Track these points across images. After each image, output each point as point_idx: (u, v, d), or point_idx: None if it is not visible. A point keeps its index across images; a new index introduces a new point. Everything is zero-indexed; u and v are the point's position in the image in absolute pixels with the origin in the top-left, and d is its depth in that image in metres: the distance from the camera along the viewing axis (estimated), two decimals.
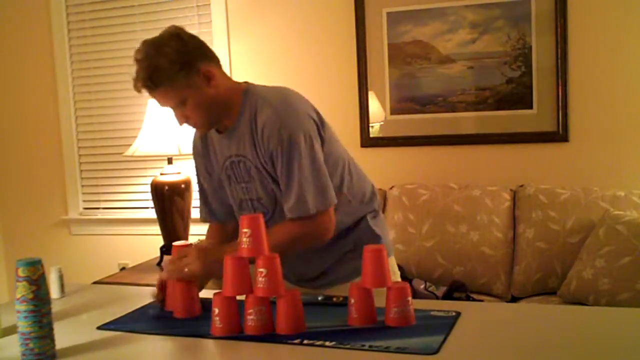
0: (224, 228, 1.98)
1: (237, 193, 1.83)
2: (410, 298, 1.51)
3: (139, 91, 1.68)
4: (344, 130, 2.58)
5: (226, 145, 1.80)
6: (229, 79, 1.81)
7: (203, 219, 2.01)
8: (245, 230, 1.51)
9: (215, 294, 1.52)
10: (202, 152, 1.91)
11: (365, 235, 1.84)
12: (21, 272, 1.37)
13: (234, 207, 1.89)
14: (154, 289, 1.73)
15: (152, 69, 1.63)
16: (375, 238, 1.85)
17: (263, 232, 1.53)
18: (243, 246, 1.51)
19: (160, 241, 3.28)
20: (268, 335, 1.48)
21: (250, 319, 1.49)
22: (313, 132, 1.72)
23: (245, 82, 1.82)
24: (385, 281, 1.50)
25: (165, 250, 3.25)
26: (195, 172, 1.99)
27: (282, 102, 1.73)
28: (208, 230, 2.02)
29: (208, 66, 1.70)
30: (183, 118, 1.73)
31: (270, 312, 1.50)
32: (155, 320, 1.64)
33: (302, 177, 1.68)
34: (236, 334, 1.49)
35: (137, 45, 1.69)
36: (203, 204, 1.99)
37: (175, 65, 1.64)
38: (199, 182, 1.98)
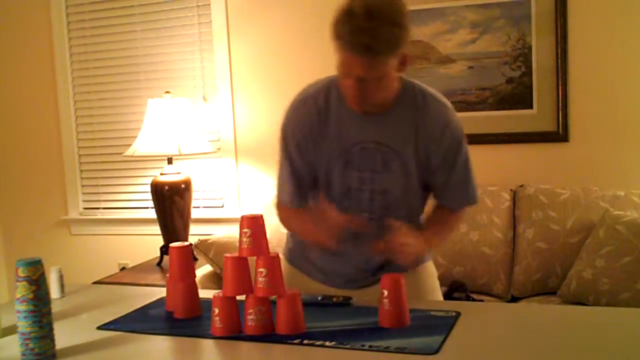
0: (308, 212, 1.80)
1: (349, 181, 1.71)
2: (404, 298, 1.51)
3: (351, 50, 1.50)
4: None
5: (362, 129, 1.68)
6: None
7: (295, 204, 1.79)
8: (245, 230, 1.51)
9: (215, 295, 1.52)
10: (318, 126, 1.71)
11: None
12: (21, 272, 1.37)
13: (333, 193, 1.72)
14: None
15: (382, 35, 1.48)
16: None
17: (264, 232, 1.52)
18: (243, 246, 1.51)
19: (160, 241, 3.28)
20: (268, 335, 1.48)
21: (250, 319, 1.49)
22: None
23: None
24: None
25: (165, 250, 3.25)
26: (286, 152, 1.76)
27: (446, 100, 1.75)
28: (304, 215, 1.78)
29: (408, 50, 1.60)
30: (361, 92, 1.57)
31: (270, 312, 1.50)
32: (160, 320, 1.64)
33: (472, 173, 1.77)
34: (236, 334, 1.49)
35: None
36: (294, 187, 1.77)
37: (399, 40, 1.53)
38: (292, 164, 1.75)
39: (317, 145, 1.72)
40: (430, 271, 1.90)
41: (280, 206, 1.84)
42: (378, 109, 1.66)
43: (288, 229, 1.90)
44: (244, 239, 1.50)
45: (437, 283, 1.92)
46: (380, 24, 1.48)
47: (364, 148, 1.69)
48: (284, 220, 1.85)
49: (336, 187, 1.72)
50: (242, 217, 1.52)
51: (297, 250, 1.88)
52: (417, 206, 1.81)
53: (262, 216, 1.53)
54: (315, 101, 1.72)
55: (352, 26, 1.49)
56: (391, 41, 1.51)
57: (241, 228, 1.51)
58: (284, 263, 1.90)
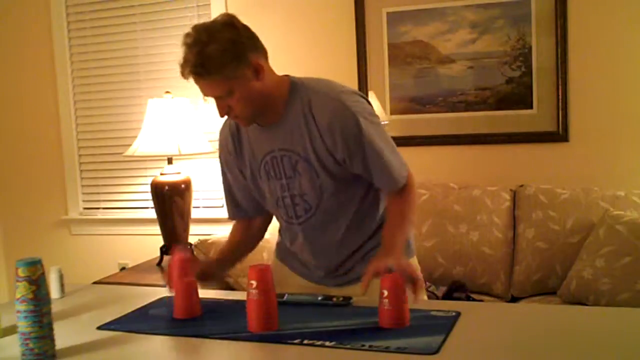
0: (250, 224, 1.95)
1: (275, 190, 1.79)
2: (406, 299, 1.51)
3: (186, 77, 1.63)
4: None
5: (267, 140, 1.75)
6: (274, 72, 1.76)
7: (231, 217, 1.96)
8: (252, 282, 1.51)
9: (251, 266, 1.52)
10: (233, 149, 1.84)
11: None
12: (21, 272, 1.37)
13: (269, 204, 1.84)
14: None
15: (204, 56, 1.57)
16: None
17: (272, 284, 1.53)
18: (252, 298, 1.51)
19: (160, 241, 3.28)
20: (268, 335, 1.48)
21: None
22: (370, 109, 1.74)
23: (287, 75, 1.77)
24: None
25: (165, 250, 3.24)
26: (221, 170, 1.93)
27: (334, 90, 1.72)
28: (233, 228, 1.98)
29: (258, 58, 1.66)
30: (225, 109, 1.66)
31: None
32: (158, 320, 1.64)
33: (387, 151, 1.73)
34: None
35: (185, 30, 1.65)
36: (230, 202, 1.94)
37: (227, 54, 1.59)
38: (225, 180, 1.92)
39: (239, 164, 1.85)
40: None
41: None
42: (270, 118, 1.72)
43: None
44: (252, 290, 1.51)
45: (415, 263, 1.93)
46: (199, 47, 1.58)
47: (274, 157, 1.76)
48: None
49: (268, 198, 1.83)
50: (251, 268, 1.53)
51: (283, 245, 1.94)
52: (339, 206, 1.77)
53: (269, 268, 1.54)
54: (229, 125, 1.86)
55: (183, 60, 1.62)
56: (216, 58, 1.58)
57: (249, 279, 1.52)
58: (273, 258, 1.96)
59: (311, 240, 1.80)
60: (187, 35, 1.62)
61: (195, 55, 1.58)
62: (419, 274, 1.63)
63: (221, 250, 1.97)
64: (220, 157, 1.91)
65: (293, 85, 1.74)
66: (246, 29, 1.69)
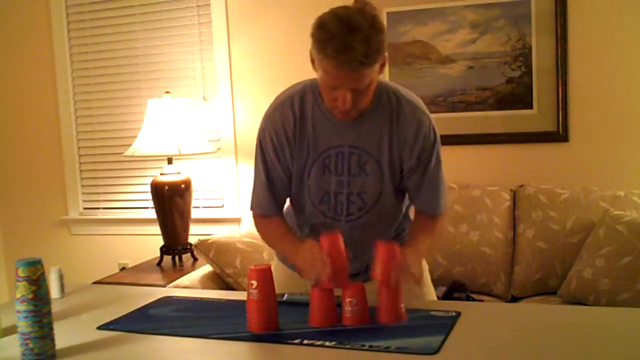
0: (284, 221, 1.84)
1: (327, 185, 1.73)
2: (401, 296, 1.52)
3: (340, 66, 1.50)
4: None
5: (337, 134, 1.69)
6: None
7: (271, 214, 1.82)
8: (349, 299, 1.52)
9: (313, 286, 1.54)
10: (293, 136, 1.72)
11: (406, 224, 1.90)
12: (21, 272, 1.37)
13: (308, 198, 1.76)
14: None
15: (369, 46, 1.48)
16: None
17: (366, 302, 1.55)
18: (347, 315, 1.53)
19: (160, 241, 3.28)
20: (268, 335, 1.48)
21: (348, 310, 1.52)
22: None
23: None
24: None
25: (166, 250, 3.25)
26: (262, 160, 1.78)
27: (420, 103, 1.75)
28: (278, 222, 1.82)
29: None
30: (350, 101, 1.57)
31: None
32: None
33: (442, 178, 1.78)
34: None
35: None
36: (270, 195, 1.79)
37: (385, 45, 1.54)
38: (268, 171, 1.77)
39: (293, 151, 1.74)
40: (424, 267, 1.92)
41: (257, 215, 1.86)
42: (359, 114, 1.68)
43: (264, 240, 1.90)
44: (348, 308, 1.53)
45: (428, 278, 1.96)
46: (365, 35, 1.49)
47: (339, 152, 1.71)
48: (261, 230, 1.88)
49: (312, 191, 1.75)
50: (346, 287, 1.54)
51: None
52: (390, 209, 1.81)
53: (363, 286, 1.56)
54: (291, 107, 1.73)
55: (339, 44, 1.48)
56: (376, 49, 1.51)
57: (344, 297, 1.54)
58: (276, 261, 1.92)
59: (352, 237, 1.74)
60: (339, 17, 1.51)
61: (360, 43, 1.48)
62: (418, 277, 1.64)
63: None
64: (265, 144, 1.76)
65: (380, 85, 1.70)
66: None
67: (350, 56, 1.48)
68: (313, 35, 1.55)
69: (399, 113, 1.70)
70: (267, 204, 1.81)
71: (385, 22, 3.25)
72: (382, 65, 1.59)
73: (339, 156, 1.71)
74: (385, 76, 3.28)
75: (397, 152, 1.71)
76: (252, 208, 1.86)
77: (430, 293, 1.94)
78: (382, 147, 1.70)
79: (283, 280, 1.80)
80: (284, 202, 1.85)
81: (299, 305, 1.65)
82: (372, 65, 1.52)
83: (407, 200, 1.87)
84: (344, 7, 1.55)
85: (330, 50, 1.50)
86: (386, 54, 1.58)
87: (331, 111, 1.67)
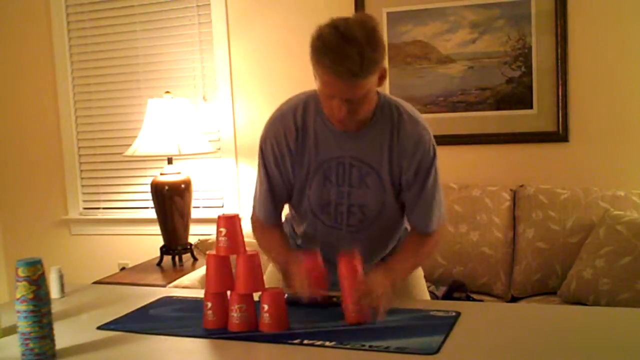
0: (281, 231, 1.87)
1: (328, 195, 1.74)
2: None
3: (335, 75, 1.52)
4: None
5: (338, 145, 1.71)
6: None
7: (271, 221, 1.85)
8: (221, 229, 1.56)
9: (265, 291, 1.55)
10: (294, 144, 1.73)
11: (404, 235, 1.90)
12: (21, 272, 1.37)
13: (308, 207, 1.77)
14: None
15: (364, 57, 1.50)
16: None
17: (240, 231, 1.57)
18: (220, 245, 1.56)
19: (160, 241, 3.28)
20: (268, 336, 1.48)
21: (234, 315, 1.53)
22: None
23: None
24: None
25: (166, 250, 3.25)
26: (264, 168, 1.79)
27: (421, 117, 1.75)
28: (273, 232, 1.85)
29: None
30: (348, 112, 1.59)
31: (253, 309, 1.55)
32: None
33: (439, 195, 1.77)
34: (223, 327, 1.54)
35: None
36: (270, 203, 1.81)
37: (382, 59, 1.55)
38: (269, 180, 1.79)
39: (294, 161, 1.75)
40: (417, 272, 1.93)
41: (256, 221, 1.88)
42: (359, 125, 1.69)
43: (259, 246, 1.90)
44: (221, 238, 1.56)
45: (424, 283, 1.96)
46: (360, 47, 1.50)
47: (340, 163, 1.72)
48: (257, 237, 1.89)
49: (314, 200, 1.76)
50: (219, 217, 1.57)
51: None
52: (393, 221, 1.82)
53: (237, 216, 1.58)
54: (294, 116, 1.74)
55: (334, 54, 1.51)
56: (372, 61, 1.52)
57: (218, 227, 1.57)
58: (270, 267, 1.94)
59: (354, 245, 1.73)
60: (338, 28, 1.53)
61: (354, 55, 1.49)
62: (381, 312, 1.56)
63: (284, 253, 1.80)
64: (267, 152, 1.78)
65: (382, 99, 1.72)
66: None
67: (345, 67, 1.50)
68: (311, 44, 1.58)
69: (400, 127, 1.70)
70: (266, 212, 1.84)
71: (385, 22, 3.26)
72: (382, 78, 1.61)
73: (340, 167, 1.72)
74: (385, 76, 3.28)
75: (397, 165, 1.71)
76: (253, 215, 1.89)
77: (423, 290, 1.94)
78: (382, 160, 1.71)
79: (276, 285, 1.80)
80: (279, 212, 1.87)
81: (299, 306, 1.65)
82: (366, 77, 1.54)
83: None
84: (344, 19, 1.57)
85: (326, 60, 1.53)
86: (386, 66, 1.60)
87: (331, 120, 1.69)
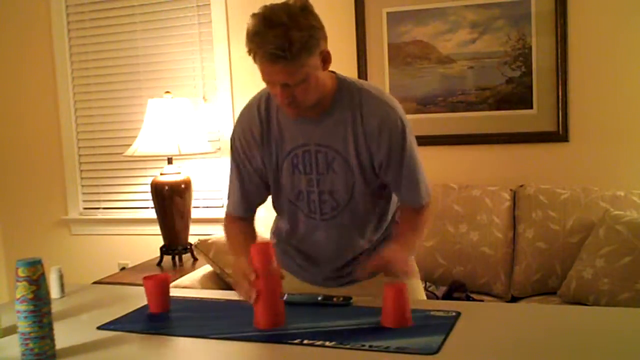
0: (251, 223, 1.88)
1: (299, 184, 1.74)
2: (408, 300, 1.51)
3: (258, 55, 1.52)
4: None
5: (301, 133, 1.70)
6: None
7: (237, 214, 1.85)
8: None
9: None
10: (259, 136, 1.74)
11: (393, 229, 1.88)
12: (21, 272, 1.37)
13: (285, 197, 1.78)
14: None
15: (286, 40, 1.48)
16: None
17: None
18: None
19: (160, 241, 3.28)
20: (268, 335, 1.48)
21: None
22: (410, 125, 1.75)
23: (331, 71, 1.71)
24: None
25: (166, 250, 3.25)
26: (233, 161, 1.82)
27: (384, 95, 1.73)
28: (240, 227, 1.85)
29: (326, 47, 1.60)
30: (289, 98, 1.58)
31: None
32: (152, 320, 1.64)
33: (420, 168, 1.77)
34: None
35: (252, 11, 1.53)
36: (241, 196, 1.83)
37: (310, 41, 1.53)
38: (240, 174, 1.81)
39: (264, 153, 1.76)
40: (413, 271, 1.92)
41: (226, 217, 1.89)
42: (315, 111, 1.68)
43: (226, 238, 1.91)
44: None
45: (419, 283, 1.96)
46: (285, 29, 1.49)
47: (306, 151, 1.72)
48: (225, 228, 1.89)
49: (287, 190, 1.77)
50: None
51: (280, 249, 1.90)
52: (363, 208, 1.78)
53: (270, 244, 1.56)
54: (257, 109, 1.75)
55: (258, 38, 1.51)
56: (300, 43, 1.51)
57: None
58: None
59: (330, 236, 1.78)
60: (263, 14, 1.52)
61: (277, 37, 1.49)
62: (411, 272, 1.67)
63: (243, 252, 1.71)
64: (236, 145, 1.80)
65: (340, 82, 1.71)
66: (317, 16, 1.59)
67: (269, 50, 1.50)
68: (246, 33, 1.58)
69: (362, 108, 1.68)
70: (235, 205, 1.85)
71: (385, 22, 3.26)
72: (325, 61, 1.60)
73: (306, 155, 1.72)
74: (385, 76, 3.29)
75: (365, 148, 1.69)
76: (226, 208, 1.90)
77: (419, 290, 1.93)
78: (347, 144, 1.69)
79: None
80: (255, 205, 1.86)
81: (299, 305, 1.65)
82: (297, 60, 1.52)
83: (392, 205, 1.86)
84: (270, 5, 1.55)
85: (253, 46, 1.54)
86: (325, 49, 1.59)
87: (283, 110, 1.68)
